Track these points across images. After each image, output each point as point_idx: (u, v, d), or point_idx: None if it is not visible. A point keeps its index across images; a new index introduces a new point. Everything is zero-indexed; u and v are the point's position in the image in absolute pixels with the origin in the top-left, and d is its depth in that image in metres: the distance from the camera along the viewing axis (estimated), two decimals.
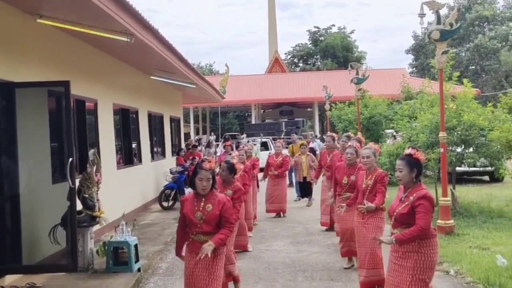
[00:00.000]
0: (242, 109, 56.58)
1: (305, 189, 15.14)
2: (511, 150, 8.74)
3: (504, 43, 54.18)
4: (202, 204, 4.99)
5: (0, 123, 7.03)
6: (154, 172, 15.99)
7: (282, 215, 13.10)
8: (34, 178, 7.84)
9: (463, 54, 57.94)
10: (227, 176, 7.05)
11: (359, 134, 17.81)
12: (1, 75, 7.07)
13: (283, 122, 41.46)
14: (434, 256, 4.85)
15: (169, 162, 17.74)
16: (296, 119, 45.08)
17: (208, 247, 4.81)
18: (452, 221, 10.17)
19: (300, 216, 13.05)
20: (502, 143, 8.73)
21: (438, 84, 12.23)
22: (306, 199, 15.17)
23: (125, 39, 8.28)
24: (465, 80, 12.97)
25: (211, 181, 5.03)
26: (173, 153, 19.00)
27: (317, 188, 13.05)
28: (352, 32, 72.04)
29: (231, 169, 7.04)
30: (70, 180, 7.12)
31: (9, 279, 6.96)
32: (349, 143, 8.14)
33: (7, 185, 7.19)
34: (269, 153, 19.58)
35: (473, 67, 57.55)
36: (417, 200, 4.82)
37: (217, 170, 7.57)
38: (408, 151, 5.08)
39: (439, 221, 10.10)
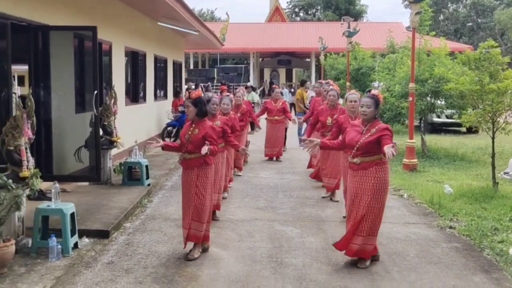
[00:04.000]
0: (240, 56, 57.42)
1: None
2: (462, 99, 10.24)
3: (501, 0, 54.89)
4: (192, 128, 6.06)
5: (38, 59, 8.50)
6: (157, 111, 17.51)
7: (277, 159, 13.40)
8: (62, 107, 9.36)
9: (461, 10, 58.67)
10: (214, 109, 7.46)
11: (348, 84, 19.34)
12: (39, 19, 8.49)
13: (215, 69, 41.78)
14: (388, 178, 5.78)
15: (170, 103, 19.26)
16: (238, 66, 44.32)
17: (204, 147, 5.79)
18: (415, 160, 11.81)
19: (291, 157, 13.96)
20: (456, 94, 10.24)
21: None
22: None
23: None
24: (441, 38, 14.43)
25: (191, 108, 6.01)
26: (174, 95, 20.46)
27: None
28: None
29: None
30: (95, 109, 8.63)
31: (44, 185, 8.53)
32: (331, 87, 9.47)
33: (43, 111, 8.69)
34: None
35: (470, 24, 58.39)
36: (381, 131, 5.62)
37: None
38: (373, 91, 6.05)
39: (404, 159, 11.77)
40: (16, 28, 7.99)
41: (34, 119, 6.25)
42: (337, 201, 8.79)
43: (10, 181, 5.56)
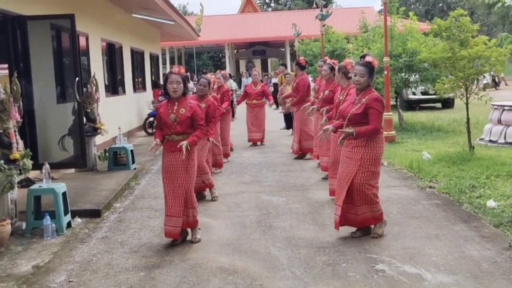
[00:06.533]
0: (216, 49, 57.41)
1: (290, 120, 14.57)
2: (435, 68, 10.58)
3: None
4: (175, 107, 5.56)
5: (18, 50, 8.57)
6: (136, 102, 17.61)
7: (260, 143, 13.22)
8: (43, 98, 9.43)
9: None
10: (202, 90, 7.76)
11: None
12: (15, 9, 8.53)
13: None
14: (379, 150, 5.51)
15: (149, 94, 19.37)
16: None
17: (183, 143, 5.40)
18: (393, 132, 12.14)
19: (272, 138, 14.01)
20: (429, 63, 10.57)
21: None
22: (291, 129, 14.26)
23: None
24: (411, 13, 14.78)
25: (181, 84, 5.54)
26: (152, 87, 20.53)
27: None
28: None
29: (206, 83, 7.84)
30: (77, 95, 8.73)
31: (31, 174, 8.61)
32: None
33: (26, 101, 8.74)
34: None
35: (440, 4, 59.16)
36: (371, 102, 5.36)
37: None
38: (368, 58, 5.61)
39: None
40: None
41: (21, 102, 6.36)
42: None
43: (2, 161, 5.69)
